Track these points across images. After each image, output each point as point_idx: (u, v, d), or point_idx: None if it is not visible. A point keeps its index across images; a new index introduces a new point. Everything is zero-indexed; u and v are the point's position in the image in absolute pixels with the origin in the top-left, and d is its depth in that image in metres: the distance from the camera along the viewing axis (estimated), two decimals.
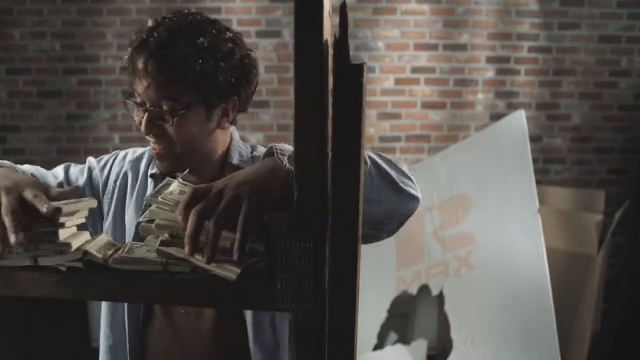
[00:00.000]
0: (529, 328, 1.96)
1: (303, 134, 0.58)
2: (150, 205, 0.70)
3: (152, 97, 0.95)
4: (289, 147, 0.77)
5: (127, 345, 1.07)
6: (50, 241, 0.67)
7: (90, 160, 1.15)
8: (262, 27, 3.16)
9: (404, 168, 0.95)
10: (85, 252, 0.68)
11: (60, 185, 1.07)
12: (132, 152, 1.16)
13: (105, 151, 1.12)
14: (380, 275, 2.47)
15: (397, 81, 3.22)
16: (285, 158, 0.73)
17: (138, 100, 0.98)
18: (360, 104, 0.55)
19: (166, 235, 0.68)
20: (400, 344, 2.41)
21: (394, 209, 0.90)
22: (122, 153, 1.17)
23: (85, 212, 0.73)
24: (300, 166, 0.58)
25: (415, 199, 0.93)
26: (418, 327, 2.62)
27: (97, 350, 1.13)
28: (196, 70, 0.94)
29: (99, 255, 0.68)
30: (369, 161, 0.87)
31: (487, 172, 2.27)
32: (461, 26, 3.19)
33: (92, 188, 1.11)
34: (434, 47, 3.20)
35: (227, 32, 1.01)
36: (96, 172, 1.13)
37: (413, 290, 2.36)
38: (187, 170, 0.92)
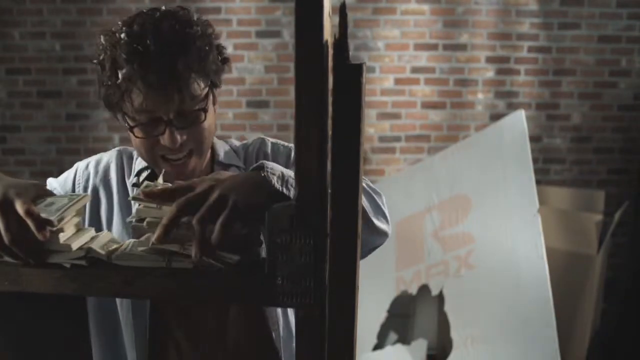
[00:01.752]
0: (529, 328, 1.96)
1: (303, 133, 0.58)
2: (138, 205, 0.70)
3: (174, 105, 0.90)
4: (279, 167, 0.75)
5: None
6: (52, 243, 0.68)
7: (50, 181, 1.08)
8: (262, 27, 3.16)
9: (380, 202, 0.96)
10: (89, 250, 0.68)
11: None
12: (96, 162, 1.09)
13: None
14: (380, 275, 2.47)
15: (397, 81, 3.23)
16: (275, 177, 0.72)
17: (145, 120, 0.91)
18: (360, 103, 0.56)
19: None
20: (400, 344, 2.41)
21: (364, 243, 0.92)
22: (82, 164, 1.09)
23: (81, 210, 0.73)
24: (300, 164, 0.59)
25: (385, 234, 0.96)
26: (418, 327, 2.62)
27: None
28: (209, 60, 0.93)
29: (102, 252, 0.68)
30: None
31: (487, 172, 2.27)
32: (461, 26, 3.19)
33: None
34: (434, 47, 3.21)
35: (195, 14, 0.99)
36: (58, 190, 1.06)
37: (413, 290, 2.36)
38: (164, 171, 0.90)
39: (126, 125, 0.94)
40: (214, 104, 1.01)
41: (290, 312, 1.06)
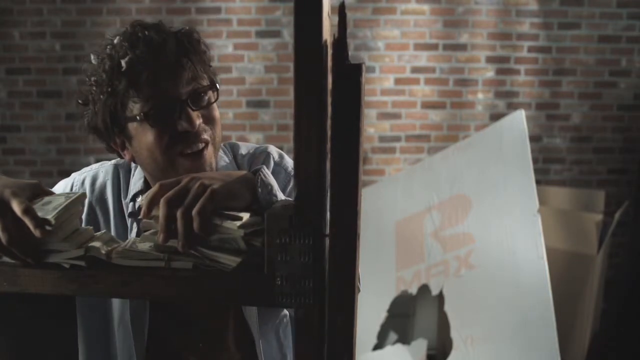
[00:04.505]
0: (529, 328, 1.96)
1: (303, 133, 0.58)
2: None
3: (187, 78, 0.90)
4: (273, 181, 0.75)
5: None
6: (50, 242, 0.68)
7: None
8: (262, 27, 3.16)
9: None
10: (88, 249, 0.68)
11: None
12: (92, 180, 1.06)
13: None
14: (380, 275, 2.47)
15: (397, 81, 3.22)
16: (260, 189, 0.72)
17: (157, 105, 0.89)
18: (359, 103, 0.56)
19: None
20: (400, 344, 2.41)
21: None
22: (78, 178, 1.07)
23: (78, 209, 0.73)
24: (300, 164, 0.59)
25: None
26: (418, 327, 2.62)
27: None
28: (207, 56, 0.96)
29: (102, 252, 0.68)
30: None
31: (487, 172, 2.27)
32: (461, 26, 3.19)
33: None
34: (434, 47, 3.21)
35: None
36: None
37: (413, 290, 2.36)
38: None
39: (136, 119, 0.90)
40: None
41: (283, 333, 1.06)
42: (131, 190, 1.02)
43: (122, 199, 1.03)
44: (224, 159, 1.06)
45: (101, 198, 1.04)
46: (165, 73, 0.89)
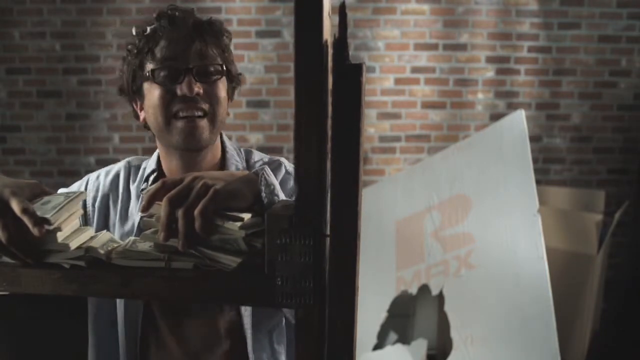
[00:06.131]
0: (529, 328, 1.96)
1: (303, 133, 0.58)
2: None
3: (195, 53, 0.99)
4: (275, 181, 0.77)
5: None
6: (50, 242, 0.68)
7: (61, 191, 1.11)
8: (262, 27, 3.16)
9: None
10: (88, 249, 0.68)
11: None
12: (105, 173, 1.15)
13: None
14: (380, 275, 2.47)
15: (397, 81, 3.22)
16: (263, 188, 0.74)
17: (166, 69, 0.99)
18: (360, 103, 0.56)
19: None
20: (400, 344, 2.41)
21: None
22: (92, 175, 1.15)
23: (79, 208, 0.73)
24: (300, 165, 0.59)
25: None
26: (418, 327, 2.62)
27: None
28: (227, 45, 1.06)
29: (102, 252, 0.68)
30: None
31: (487, 172, 2.27)
32: (461, 26, 3.19)
33: None
34: (434, 47, 3.21)
35: None
36: None
37: (413, 290, 2.36)
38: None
39: (147, 76, 1.00)
40: (228, 97, 1.07)
41: (277, 339, 1.07)
42: (147, 170, 1.11)
43: (130, 185, 1.11)
44: (236, 158, 1.12)
45: (114, 183, 1.12)
46: (179, 43, 0.99)
